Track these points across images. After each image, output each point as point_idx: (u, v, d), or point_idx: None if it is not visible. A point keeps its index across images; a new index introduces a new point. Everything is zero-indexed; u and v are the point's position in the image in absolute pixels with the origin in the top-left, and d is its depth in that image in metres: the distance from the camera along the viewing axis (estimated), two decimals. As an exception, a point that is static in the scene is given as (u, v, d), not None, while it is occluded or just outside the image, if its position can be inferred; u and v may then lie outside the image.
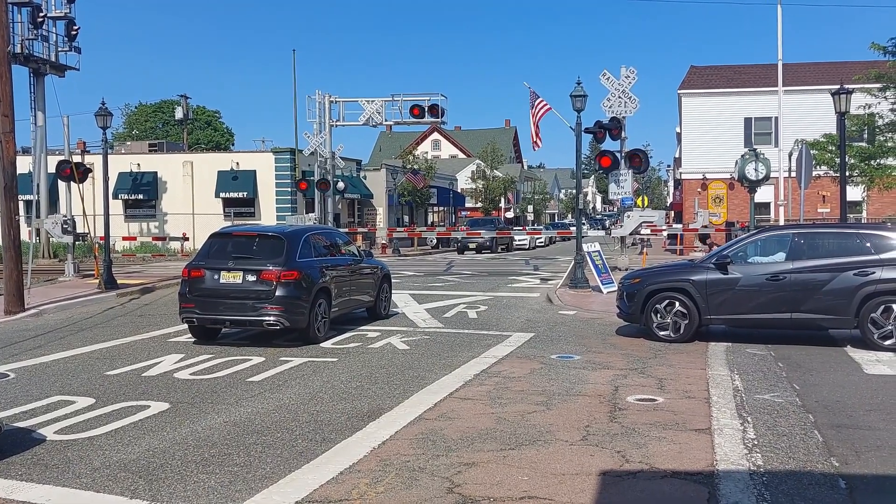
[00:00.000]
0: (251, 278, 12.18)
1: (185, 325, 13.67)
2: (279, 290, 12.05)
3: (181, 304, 12.62)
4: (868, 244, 11.58)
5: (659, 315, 12.36)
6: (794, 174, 25.71)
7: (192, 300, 12.39)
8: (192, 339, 12.88)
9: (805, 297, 11.52)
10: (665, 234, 35.49)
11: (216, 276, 12.30)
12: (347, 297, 14.01)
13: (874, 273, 11.26)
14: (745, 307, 11.93)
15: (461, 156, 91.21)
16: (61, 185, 28.35)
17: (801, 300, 11.54)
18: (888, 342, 11.16)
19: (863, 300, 11.26)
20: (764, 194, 33.61)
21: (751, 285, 11.88)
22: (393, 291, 16.81)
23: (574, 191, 22.04)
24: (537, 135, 24.10)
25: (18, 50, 29.16)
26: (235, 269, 12.27)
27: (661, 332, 12.33)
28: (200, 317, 12.41)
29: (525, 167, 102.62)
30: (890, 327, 11.15)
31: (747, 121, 40.27)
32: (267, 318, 12.07)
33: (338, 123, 30.96)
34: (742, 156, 19.09)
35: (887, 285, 11.21)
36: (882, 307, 11.19)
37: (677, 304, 12.23)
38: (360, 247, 16.78)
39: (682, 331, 12.20)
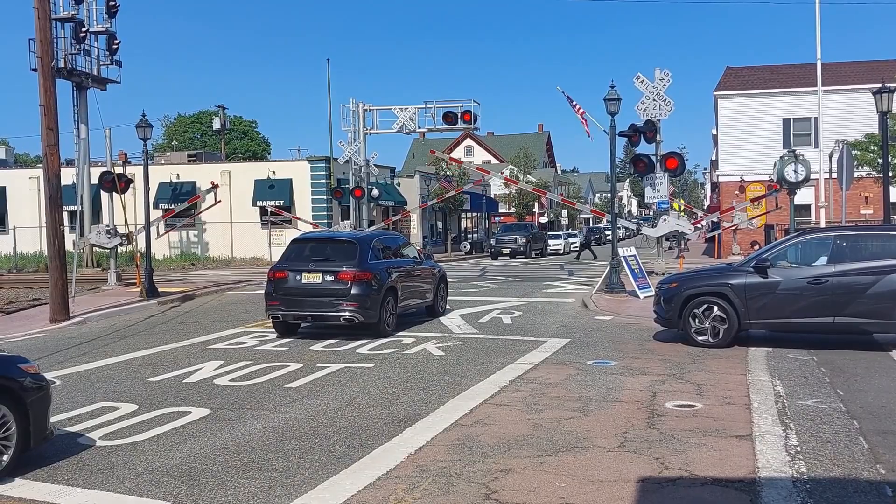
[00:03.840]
0: (329, 278, 13.58)
1: (223, 333, 14.07)
2: (354, 289, 13.43)
3: (267, 302, 14.03)
4: None
5: (697, 320, 12.19)
6: (835, 175, 25.19)
7: (277, 298, 13.83)
8: (232, 346, 13.10)
9: (848, 301, 11.27)
10: (702, 224, 34.80)
11: (298, 277, 13.73)
12: (410, 295, 15.24)
13: None
14: (786, 311, 11.70)
15: (494, 161, 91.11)
16: (104, 195, 28.93)
17: (843, 304, 11.30)
18: None
19: None
20: (804, 196, 32.98)
21: (791, 289, 11.65)
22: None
23: (609, 195, 21.83)
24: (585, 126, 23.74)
25: (62, 65, 29.90)
26: (315, 270, 13.67)
27: (700, 338, 12.16)
28: (285, 313, 13.80)
29: (558, 171, 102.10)
30: None
31: (786, 122, 39.55)
32: (344, 313, 13.43)
33: (372, 131, 31.18)
34: (781, 157, 18.76)
35: None
36: None
37: (716, 308, 12.05)
38: (419, 251, 17.91)
39: (720, 336, 12.02)
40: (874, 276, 11.21)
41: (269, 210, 37.63)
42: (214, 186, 32.73)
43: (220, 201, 36.35)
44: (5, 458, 6.43)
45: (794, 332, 12.29)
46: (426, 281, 16.16)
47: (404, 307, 14.99)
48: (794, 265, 11.97)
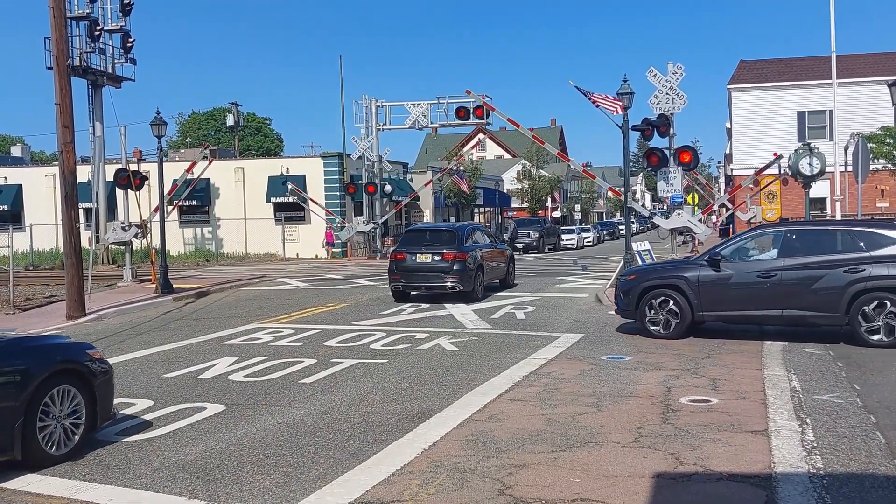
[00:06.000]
0: (437, 258, 18.18)
1: (238, 329, 14.41)
2: (456, 266, 18.05)
3: (391, 277, 18.81)
4: (861, 242, 11.46)
5: (652, 311, 12.49)
6: (850, 168, 24.96)
7: (398, 273, 18.58)
8: (246, 342, 13.21)
9: (796, 294, 11.45)
10: (713, 210, 34.37)
11: (413, 258, 18.45)
12: (491, 270, 19.98)
13: (864, 270, 11.13)
14: (737, 304, 11.95)
15: (506, 156, 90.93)
16: (119, 192, 29.15)
17: (791, 297, 11.48)
18: (875, 337, 11.06)
19: (853, 297, 11.12)
20: (819, 189, 32.73)
21: (742, 282, 11.89)
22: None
23: (622, 189, 21.78)
24: (614, 102, 23.22)
25: (77, 63, 30.16)
26: (426, 252, 18.30)
27: (653, 328, 12.51)
28: (405, 285, 18.63)
29: (571, 166, 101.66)
30: (879, 323, 11.04)
31: (800, 115, 39.25)
32: (448, 283, 18.00)
33: (384, 127, 31.26)
34: (795, 150, 18.64)
35: (878, 282, 11.07)
36: (875, 303, 11.04)
37: (671, 301, 12.32)
38: (496, 236, 22.05)
39: (673, 327, 12.33)
40: (821, 271, 11.36)
41: (289, 187, 37.87)
42: (205, 147, 32.86)
43: (212, 161, 36.63)
44: (76, 437, 6.92)
45: (745, 324, 12.53)
46: (501, 260, 21.09)
47: (489, 279, 19.59)
48: (745, 259, 12.20)
